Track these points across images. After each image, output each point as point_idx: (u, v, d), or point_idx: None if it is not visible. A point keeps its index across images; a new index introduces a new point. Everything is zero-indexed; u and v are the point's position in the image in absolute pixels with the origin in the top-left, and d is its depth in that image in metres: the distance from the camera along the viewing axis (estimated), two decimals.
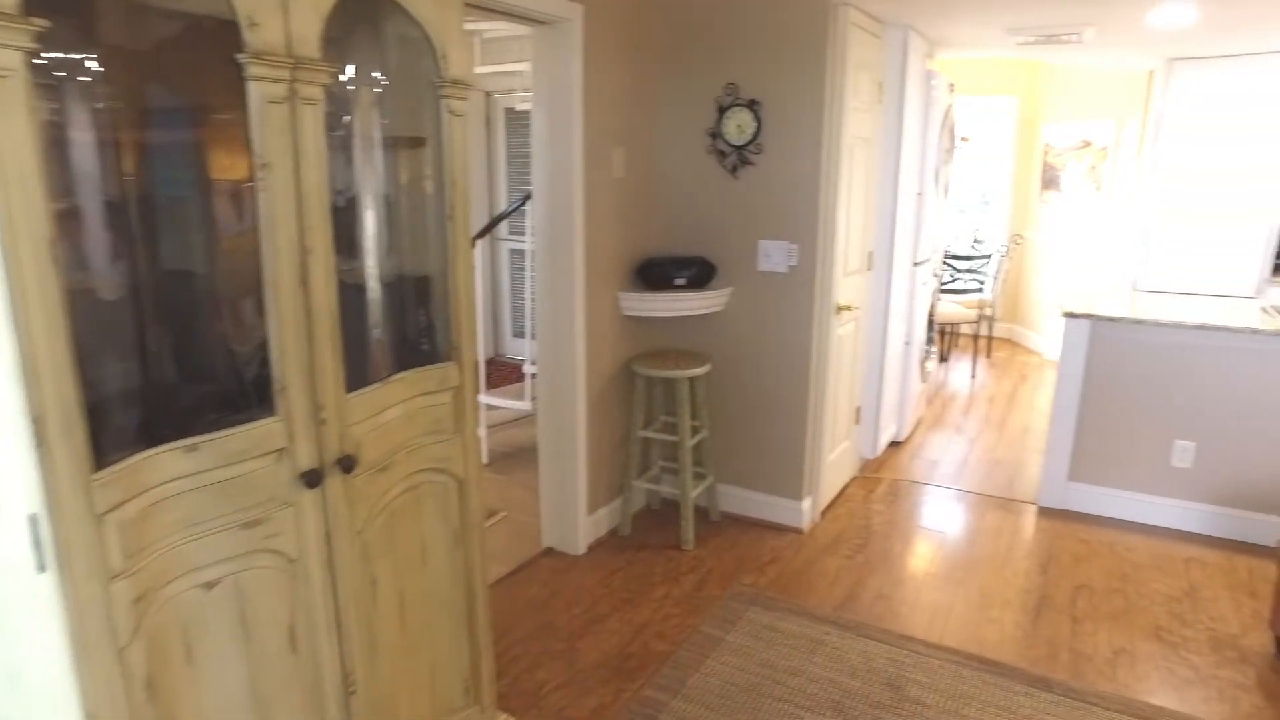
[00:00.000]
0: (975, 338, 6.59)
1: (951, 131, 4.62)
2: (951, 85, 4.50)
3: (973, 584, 3.17)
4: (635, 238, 3.46)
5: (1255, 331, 3.34)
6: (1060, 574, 3.25)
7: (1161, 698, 2.52)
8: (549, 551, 3.41)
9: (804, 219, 3.29)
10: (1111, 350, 3.62)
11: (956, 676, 2.58)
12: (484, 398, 4.33)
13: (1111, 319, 3.55)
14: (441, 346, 1.93)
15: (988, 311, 6.28)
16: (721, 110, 3.33)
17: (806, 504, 3.60)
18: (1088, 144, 6.02)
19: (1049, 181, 6.60)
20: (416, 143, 1.86)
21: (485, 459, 4.37)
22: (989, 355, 6.81)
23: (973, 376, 6.19)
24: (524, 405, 4.53)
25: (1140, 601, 3.06)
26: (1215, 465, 3.54)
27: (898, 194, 3.97)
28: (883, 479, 4.20)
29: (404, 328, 1.90)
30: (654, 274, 3.36)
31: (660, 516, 3.74)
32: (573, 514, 3.37)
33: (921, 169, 4.26)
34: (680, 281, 3.38)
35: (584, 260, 3.14)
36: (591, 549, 3.43)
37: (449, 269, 1.88)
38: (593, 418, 3.37)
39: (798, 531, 3.58)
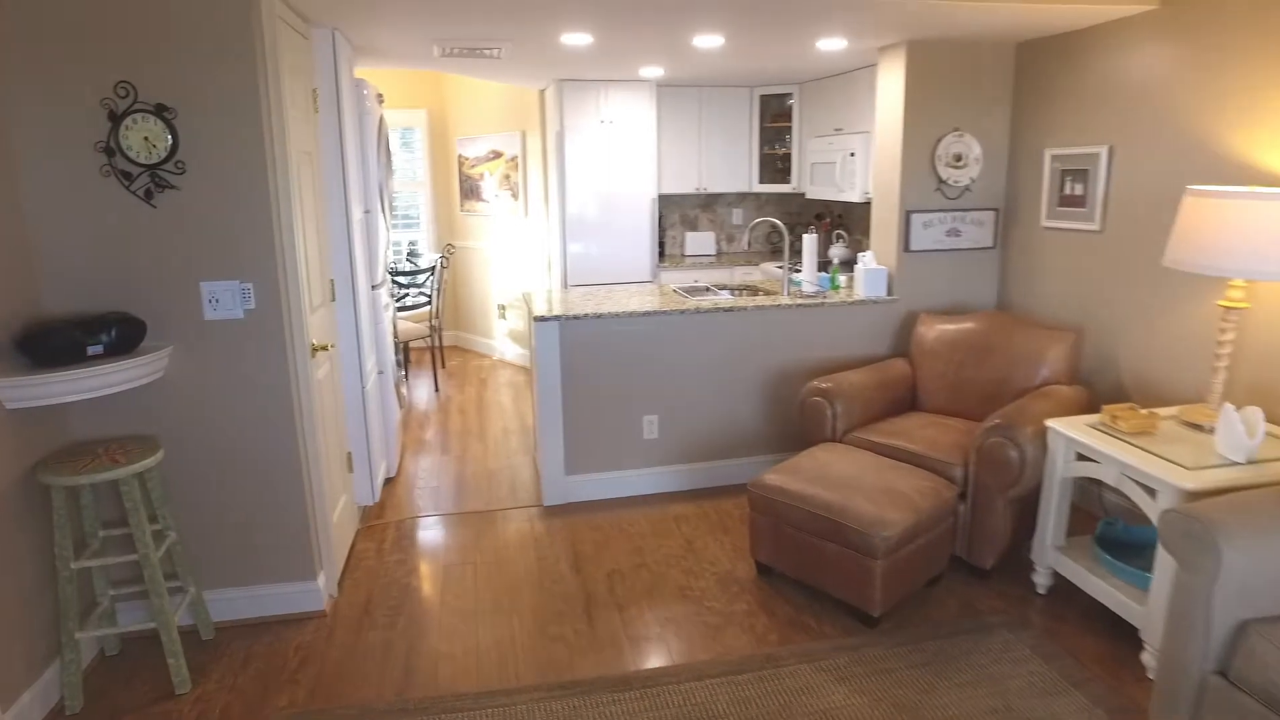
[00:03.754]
0: (430, 350, 6.56)
1: (388, 145, 4.38)
2: (380, 96, 4.26)
3: (523, 608, 3.06)
4: (7, 298, 2.43)
5: (684, 313, 3.90)
6: (591, 568, 3.36)
7: (709, 649, 2.76)
8: None
9: (258, 250, 2.71)
10: (580, 347, 3.87)
11: (548, 713, 2.43)
12: None
13: (577, 317, 3.78)
14: None
15: (436, 323, 6.28)
16: (116, 118, 2.52)
17: (322, 580, 3.05)
18: (499, 155, 6.40)
19: (470, 192, 6.86)
20: None
21: None
22: (444, 365, 6.85)
23: (436, 390, 6.14)
24: None
25: (660, 568, 3.33)
26: (673, 430, 4.07)
27: (349, 213, 3.59)
28: (389, 523, 3.83)
29: None
30: (51, 345, 2.40)
31: (128, 662, 2.77)
32: None
33: (366, 185, 3.94)
34: (96, 350, 2.49)
35: None
36: None
37: None
38: None
39: (320, 616, 3.02)
